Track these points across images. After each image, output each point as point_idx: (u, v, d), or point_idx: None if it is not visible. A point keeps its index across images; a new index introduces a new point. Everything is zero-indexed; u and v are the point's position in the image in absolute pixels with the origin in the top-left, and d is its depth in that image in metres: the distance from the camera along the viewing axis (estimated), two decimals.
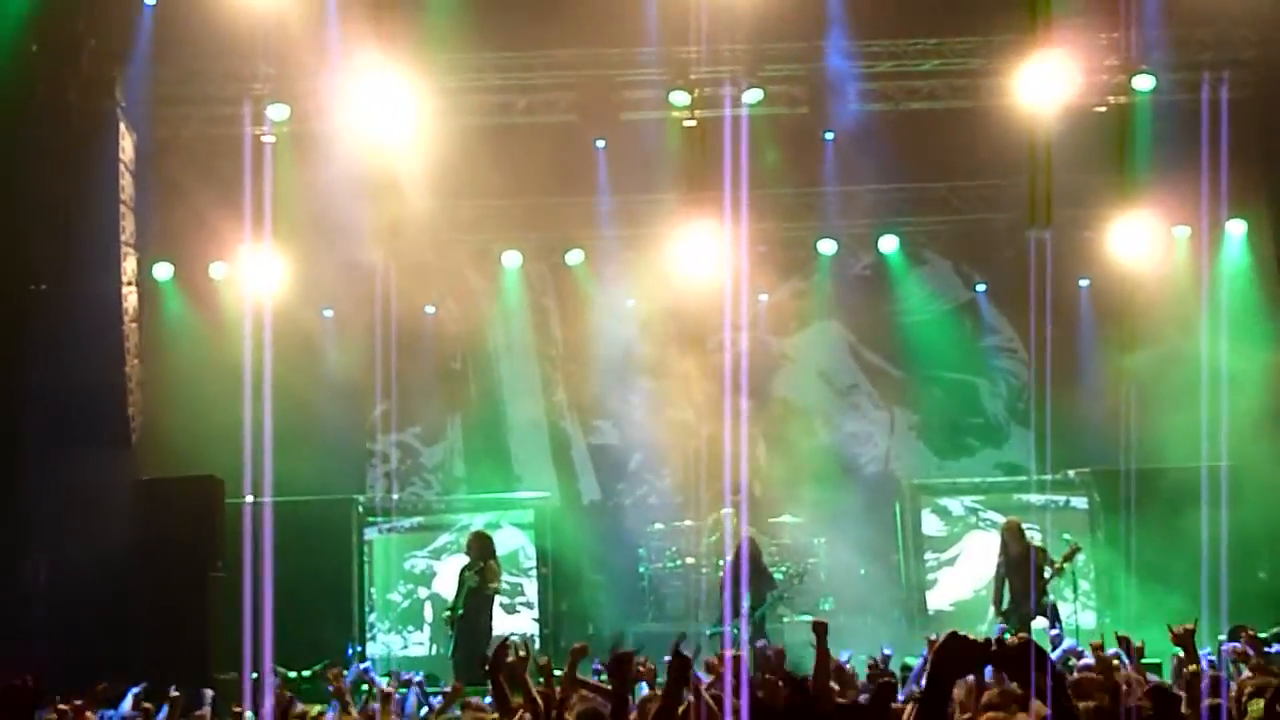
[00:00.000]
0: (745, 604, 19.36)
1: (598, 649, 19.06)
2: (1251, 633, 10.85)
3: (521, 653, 9.41)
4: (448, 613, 19.62)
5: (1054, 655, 13.06)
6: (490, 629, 19.41)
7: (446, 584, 20.82)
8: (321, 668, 16.69)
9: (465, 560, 19.38)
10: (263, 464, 20.57)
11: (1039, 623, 18.93)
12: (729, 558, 20.25)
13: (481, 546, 19.45)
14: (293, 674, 16.22)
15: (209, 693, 14.02)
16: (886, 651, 12.41)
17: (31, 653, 16.49)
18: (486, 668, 10.65)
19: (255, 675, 16.68)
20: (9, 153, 18.13)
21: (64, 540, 17.87)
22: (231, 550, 19.09)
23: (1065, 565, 18.81)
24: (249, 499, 20.19)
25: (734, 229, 21.99)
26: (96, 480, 18.16)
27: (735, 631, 18.86)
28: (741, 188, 21.57)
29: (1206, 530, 18.79)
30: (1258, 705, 7.84)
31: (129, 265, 19.67)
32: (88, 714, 10.83)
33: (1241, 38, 20.91)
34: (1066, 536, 19.89)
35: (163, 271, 21.55)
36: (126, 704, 12.69)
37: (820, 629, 9.11)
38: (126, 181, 19.51)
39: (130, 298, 19.72)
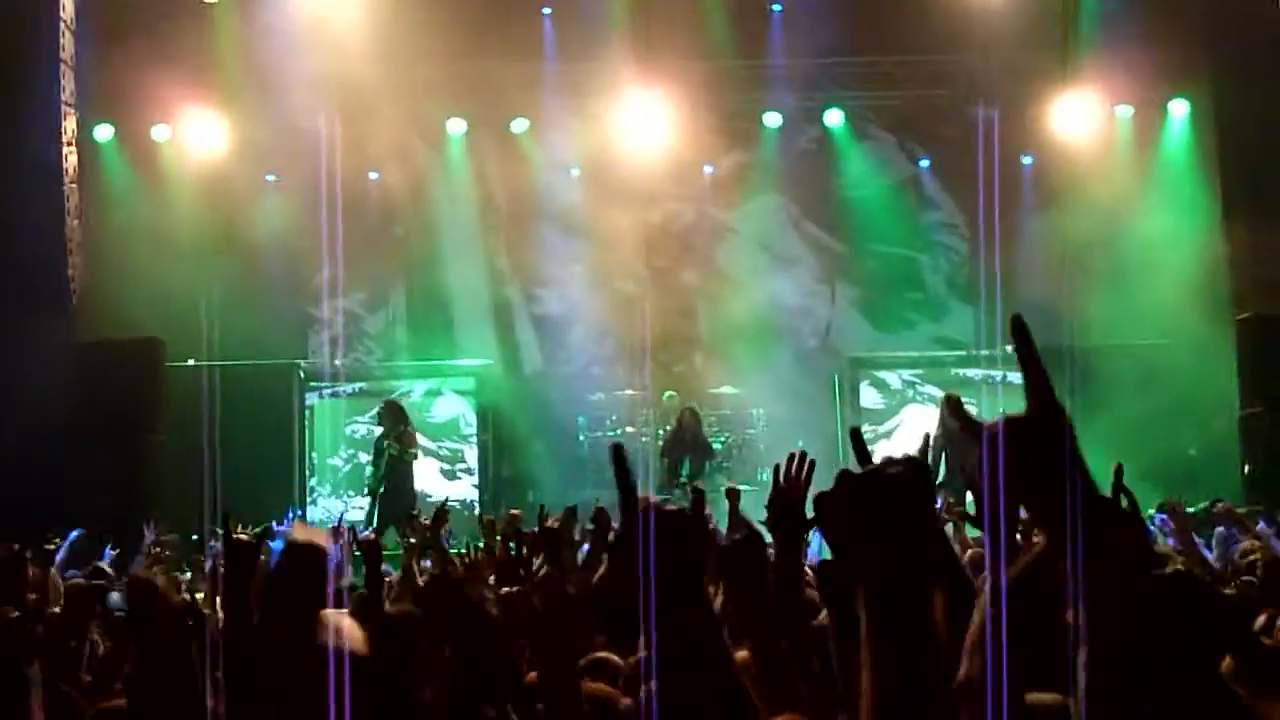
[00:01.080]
0: (685, 473, 19.57)
1: (533, 517, 19.32)
2: (1178, 506, 11.04)
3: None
4: (369, 482, 20.01)
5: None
6: (414, 494, 19.75)
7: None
8: (261, 531, 16.79)
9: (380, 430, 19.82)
10: (204, 327, 20.62)
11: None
12: (669, 427, 20.48)
13: (394, 415, 19.82)
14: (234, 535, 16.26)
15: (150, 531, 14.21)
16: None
17: None
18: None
19: (195, 537, 16.81)
20: None
21: (3, 401, 17.84)
22: (173, 414, 19.16)
23: None
24: (191, 362, 20.25)
25: (681, 99, 22.01)
26: (35, 342, 18.11)
27: (674, 499, 19.04)
28: (692, 57, 21.58)
29: (1139, 407, 19.07)
30: None
31: (69, 125, 19.53)
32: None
33: None
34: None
35: (104, 133, 21.37)
36: (63, 549, 12.80)
37: (733, 496, 9.71)
38: (67, 40, 19.33)
39: (70, 158, 19.59)
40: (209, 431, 18.45)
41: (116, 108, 21.18)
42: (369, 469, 20.53)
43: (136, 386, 18.85)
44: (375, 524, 19.26)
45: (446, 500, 9.67)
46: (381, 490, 19.69)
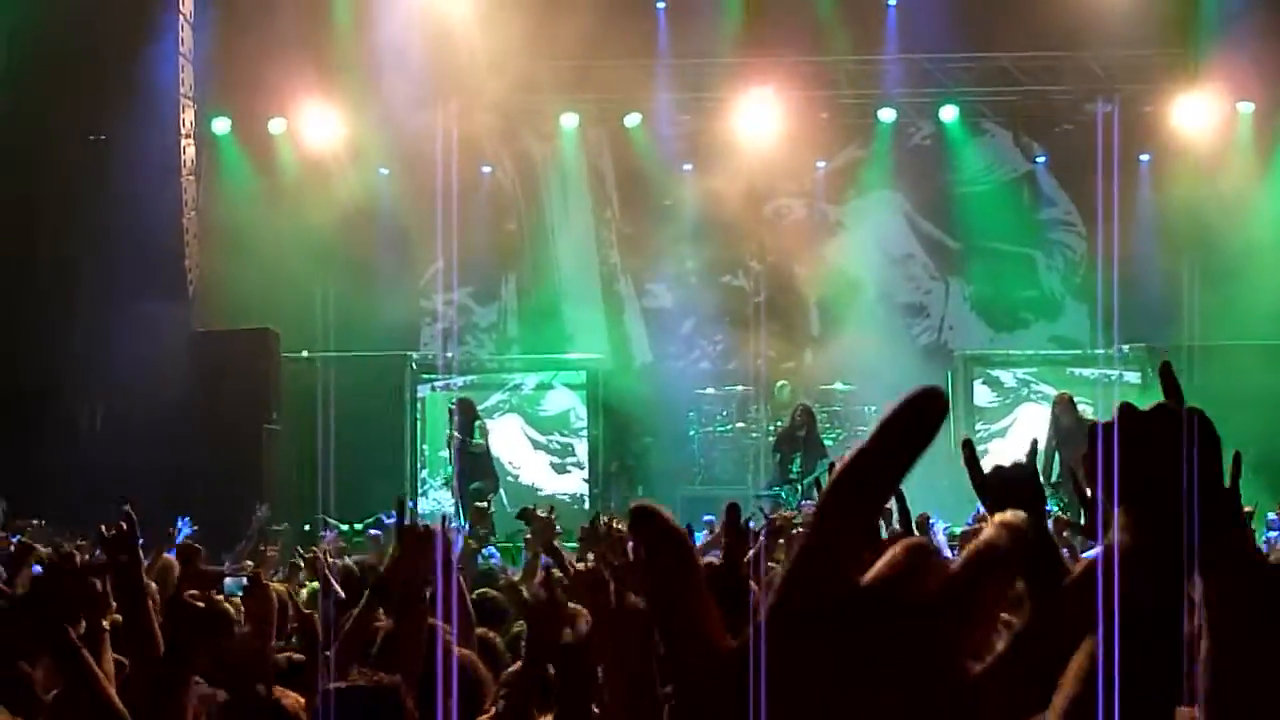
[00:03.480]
0: (796, 470, 19.48)
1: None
2: None
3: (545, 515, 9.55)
4: (450, 479, 20.28)
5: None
6: (494, 479, 20.01)
7: (498, 442, 21.03)
8: (372, 521, 16.93)
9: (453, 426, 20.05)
10: (318, 319, 20.79)
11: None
12: (780, 422, 20.40)
13: (461, 412, 20.07)
14: (344, 526, 16.41)
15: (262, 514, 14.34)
16: (932, 522, 12.41)
17: (87, 497, 16.72)
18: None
19: (307, 526, 16.96)
20: (73, 7, 18.16)
21: (121, 389, 18.07)
22: (286, 404, 19.33)
23: None
24: (305, 353, 20.42)
25: (795, 95, 21.93)
26: (154, 331, 18.32)
27: (785, 496, 19.00)
28: (807, 53, 21.50)
29: (1257, 407, 18.78)
30: None
31: (187, 118, 19.73)
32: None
33: None
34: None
35: (221, 125, 21.58)
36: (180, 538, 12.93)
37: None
38: (186, 34, 19.53)
39: (188, 150, 19.80)
40: (322, 423, 18.64)
41: (233, 100, 21.38)
42: (447, 469, 20.79)
43: (252, 377, 19.02)
44: (464, 517, 19.47)
45: (536, 508, 9.50)
46: (458, 484, 19.97)
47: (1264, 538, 14.58)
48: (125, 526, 5.19)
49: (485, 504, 17.23)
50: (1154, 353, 21.33)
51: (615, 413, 22.12)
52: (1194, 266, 21.21)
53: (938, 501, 18.74)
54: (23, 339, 18.43)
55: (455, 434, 19.98)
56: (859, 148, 23.41)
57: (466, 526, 18.90)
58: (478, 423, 20.29)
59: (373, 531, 15.43)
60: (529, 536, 10.76)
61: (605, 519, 7.45)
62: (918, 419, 1.22)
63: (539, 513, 9.71)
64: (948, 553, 11.09)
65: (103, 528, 5.24)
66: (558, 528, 9.41)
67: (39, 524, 15.24)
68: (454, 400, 20.76)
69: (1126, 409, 2.38)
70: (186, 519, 13.42)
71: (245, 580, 7.08)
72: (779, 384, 21.78)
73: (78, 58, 18.34)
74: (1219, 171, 21.61)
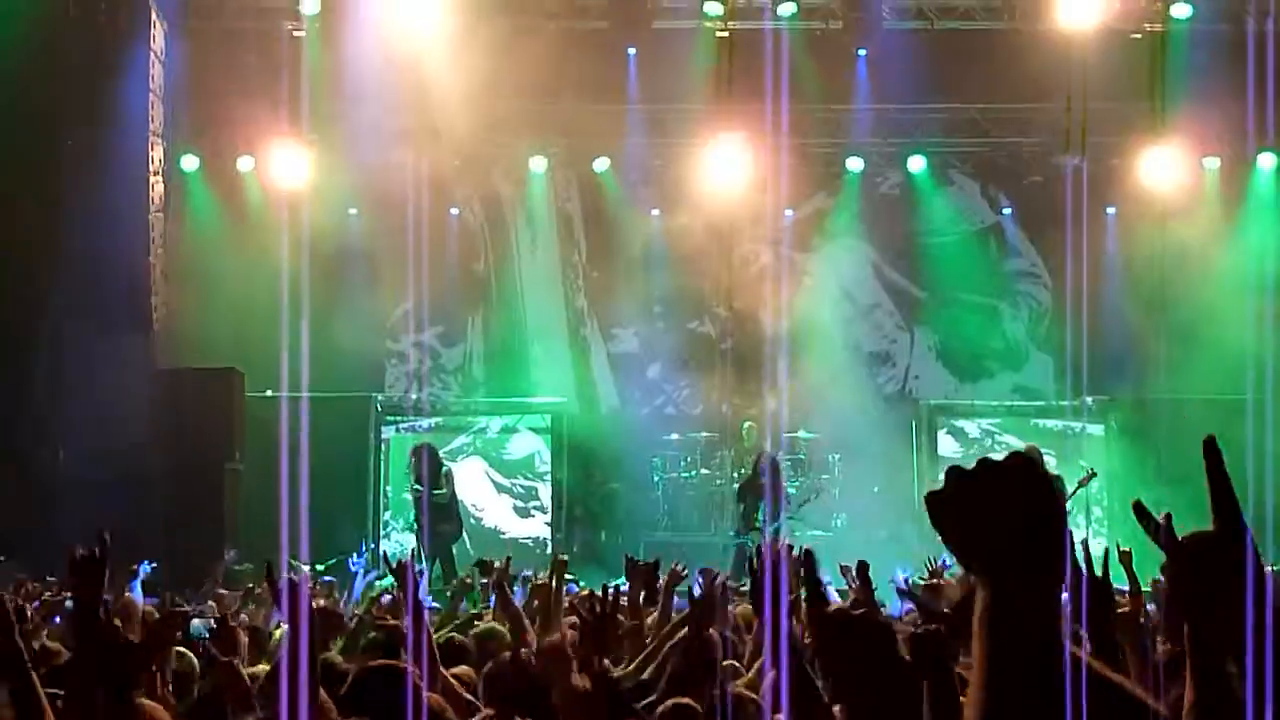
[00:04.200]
0: (760, 518, 19.45)
1: (610, 557, 19.33)
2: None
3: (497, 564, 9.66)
4: (413, 524, 20.32)
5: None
6: (457, 525, 20.03)
7: (462, 485, 20.98)
8: (335, 563, 16.87)
9: (415, 472, 20.07)
10: (283, 358, 20.70)
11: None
12: (743, 470, 20.35)
13: (421, 460, 20.09)
14: (306, 567, 16.33)
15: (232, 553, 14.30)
16: (902, 575, 12.39)
17: (48, 536, 16.62)
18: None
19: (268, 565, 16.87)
20: (42, 39, 18.12)
21: (84, 425, 17.97)
22: (250, 444, 19.25)
23: (1079, 490, 18.97)
24: (269, 392, 20.35)
25: (763, 142, 21.99)
26: (118, 367, 18.25)
27: (750, 544, 18.98)
28: (775, 101, 21.55)
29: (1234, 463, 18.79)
30: None
31: (156, 155, 19.69)
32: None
33: None
34: (1082, 463, 19.93)
35: (190, 163, 21.54)
36: (137, 586, 12.86)
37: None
38: (156, 71, 19.51)
39: (157, 187, 19.75)
40: (286, 463, 18.52)
41: (203, 138, 21.36)
42: (410, 511, 20.81)
43: (215, 415, 18.96)
44: (424, 561, 19.56)
45: (502, 560, 9.51)
46: (419, 529, 20.05)
47: None
48: (98, 553, 5.12)
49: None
50: (1117, 405, 21.45)
51: (580, 457, 22.11)
52: (1158, 320, 21.30)
53: (906, 551, 18.77)
54: None
55: (416, 486, 19.97)
56: (827, 196, 23.49)
57: (428, 570, 18.96)
58: (443, 469, 20.25)
59: (325, 579, 15.40)
60: (484, 582, 10.78)
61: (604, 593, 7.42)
62: None
63: (495, 564, 9.80)
64: (897, 601, 11.12)
65: (76, 550, 5.16)
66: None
67: (2, 560, 15.18)
68: (415, 446, 20.68)
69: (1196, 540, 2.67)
70: (146, 561, 13.37)
71: (211, 622, 7.05)
72: (745, 424, 21.76)
73: (46, 93, 18.30)
74: (1185, 225, 21.72)
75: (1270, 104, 20.25)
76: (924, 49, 21.38)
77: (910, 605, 11.00)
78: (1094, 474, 19.26)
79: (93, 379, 17.88)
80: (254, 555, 17.73)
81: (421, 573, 14.40)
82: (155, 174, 19.63)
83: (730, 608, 8.66)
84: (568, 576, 10.10)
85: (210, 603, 12.52)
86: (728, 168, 22.02)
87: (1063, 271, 22.74)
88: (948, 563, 11.95)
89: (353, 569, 15.53)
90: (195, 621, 10.36)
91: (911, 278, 23.79)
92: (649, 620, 8.46)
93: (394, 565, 7.07)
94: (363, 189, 21.70)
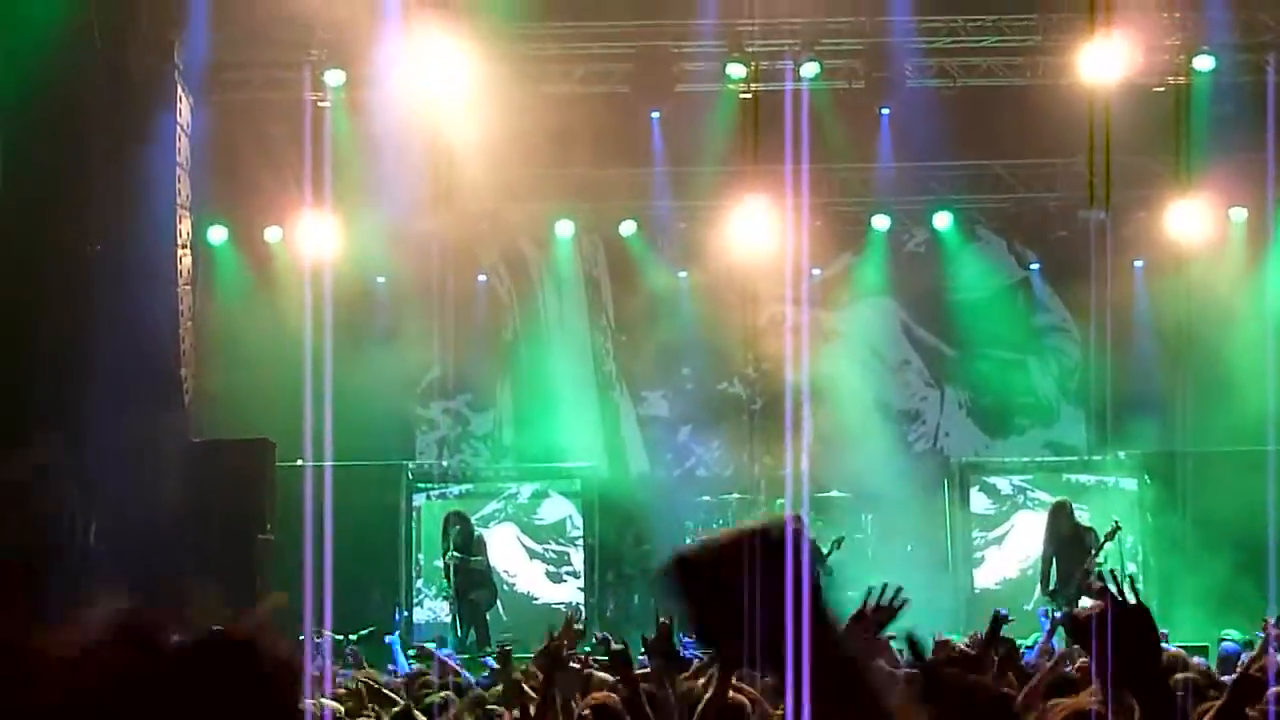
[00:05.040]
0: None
1: (646, 619, 19.26)
2: None
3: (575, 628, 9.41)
4: (448, 592, 20.30)
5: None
6: (492, 593, 20.08)
7: (494, 551, 20.98)
8: (369, 633, 16.86)
9: (452, 540, 20.09)
10: (314, 429, 20.74)
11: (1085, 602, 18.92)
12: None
13: (453, 525, 20.17)
14: (339, 637, 16.33)
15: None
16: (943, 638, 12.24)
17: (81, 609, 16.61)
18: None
19: (301, 638, 16.84)
20: (69, 114, 18.23)
21: (116, 498, 17.99)
22: (281, 514, 19.25)
23: (1107, 543, 18.89)
24: (299, 462, 20.36)
25: (789, 203, 22.02)
26: (150, 440, 18.28)
27: None
28: (799, 162, 21.59)
29: (1248, 515, 18.75)
30: None
31: (184, 228, 19.77)
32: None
33: None
34: (1114, 517, 19.85)
35: (217, 235, 21.63)
36: None
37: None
38: (183, 144, 19.61)
39: (184, 260, 19.83)
40: (315, 532, 18.55)
41: (230, 210, 21.46)
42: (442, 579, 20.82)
43: (248, 486, 18.96)
44: (460, 628, 19.63)
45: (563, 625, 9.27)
46: (456, 598, 20.04)
47: None
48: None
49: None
50: (1150, 459, 21.36)
51: (612, 520, 22.06)
52: (1188, 372, 21.23)
53: (940, 609, 18.68)
54: (17, 446, 18.36)
55: (455, 554, 19.97)
56: (853, 254, 23.49)
57: (464, 638, 18.96)
58: (475, 535, 20.28)
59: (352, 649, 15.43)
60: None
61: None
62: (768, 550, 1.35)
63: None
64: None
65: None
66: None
67: None
68: (449, 513, 20.69)
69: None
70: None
71: None
72: (778, 502, 21.74)
73: (73, 168, 18.38)
74: (1212, 277, 21.68)
75: None
76: (947, 106, 21.41)
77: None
78: (1119, 526, 19.19)
79: (125, 452, 17.90)
80: (286, 626, 17.71)
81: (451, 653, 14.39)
82: (183, 247, 19.71)
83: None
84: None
85: None
86: (753, 228, 22.05)
87: (1090, 325, 22.73)
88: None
89: (389, 643, 15.60)
90: None
91: (940, 334, 23.77)
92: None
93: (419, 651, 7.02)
94: (390, 257, 21.77)
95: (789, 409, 22.91)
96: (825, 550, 19.45)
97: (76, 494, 18.05)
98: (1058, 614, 16.46)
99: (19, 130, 17.99)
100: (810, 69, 20.84)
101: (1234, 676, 6.59)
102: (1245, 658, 11.77)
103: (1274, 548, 17.35)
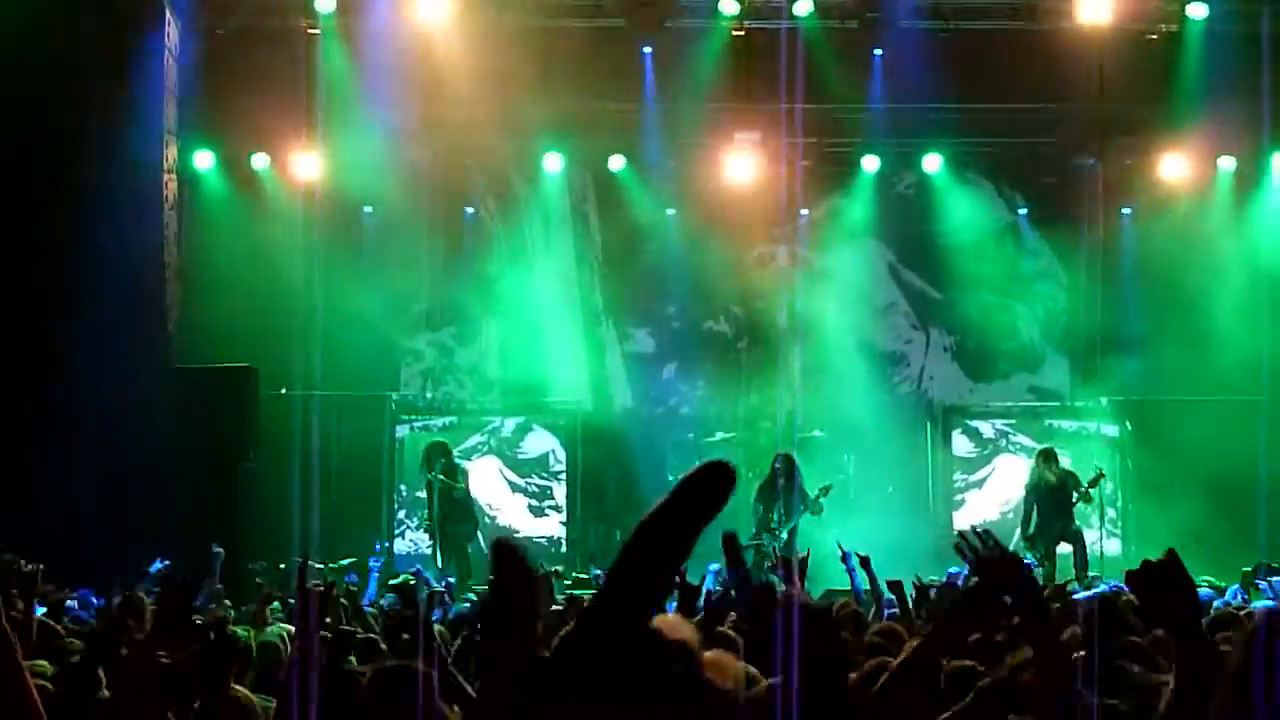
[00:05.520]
0: (776, 519, 19.43)
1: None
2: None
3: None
4: (428, 522, 20.33)
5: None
6: (474, 523, 20.10)
7: (477, 483, 21.04)
8: (350, 563, 16.89)
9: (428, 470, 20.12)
10: (298, 357, 20.75)
11: (1063, 547, 19.04)
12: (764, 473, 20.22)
13: (437, 454, 20.16)
14: (320, 566, 16.35)
15: (220, 551, 14.34)
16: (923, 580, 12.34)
17: (61, 534, 16.65)
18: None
19: (282, 565, 16.88)
20: (57, 40, 18.14)
21: (98, 423, 17.99)
22: (264, 442, 19.27)
23: (1090, 491, 19.01)
24: (284, 391, 20.37)
25: (780, 142, 21.97)
26: (133, 366, 18.26)
27: (767, 546, 19.00)
28: (791, 101, 21.54)
29: (1233, 463, 18.84)
30: None
31: (170, 153, 19.71)
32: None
33: None
34: (1096, 463, 19.92)
35: (204, 160, 21.52)
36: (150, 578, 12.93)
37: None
38: (171, 69, 19.53)
39: (170, 185, 19.77)
40: (300, 461, 18.58)
41: (217, 135, 21.35)
42: (423, 510, 20.82)
43: (229, 414, 18.96)
44: (441, 559, 19.68)
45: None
46: (439, 526, 20.08)
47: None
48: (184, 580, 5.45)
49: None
50: (1132, 406, 21.44)
51: (595, 456, 22.11)
52: (1173, 320, 21.25)
53: (919, 549, 18.75)
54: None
55: (440, 476, 19.97)
56: (842, 196, 23.43)
57: (445, 569, 19.00)
58: (459, 465, 20.31)
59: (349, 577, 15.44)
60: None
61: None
62: (709, 489, 1.42)
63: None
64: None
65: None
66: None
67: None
68: (430, 444, 20.73)
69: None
70: (160, 558, 13.39)
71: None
72: (763, 424, 21.82)
73: (60, 92, 18.31)
74: (1200, 226, 21.70)
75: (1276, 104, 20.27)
76: (940, 49, 21.32)
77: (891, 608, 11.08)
78: (1103, 474, 19.31)
79: (108, 377, 17.89)
80: (266, 553, 17.76)
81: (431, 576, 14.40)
82: (169, 172, 19.64)
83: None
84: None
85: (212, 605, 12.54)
86: (742, 167, 22.02)
87: (1077, 271, 22.74)
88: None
89: (372, 568, 15.64)
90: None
91: (927, 277, 23.74)
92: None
93: (399, 586, 7.06)
94: (378, 187, 21.69)
95: (775, 348, 22.94)
96: (813, 495, 19.54)
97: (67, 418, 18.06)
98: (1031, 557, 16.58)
99: (4, 54, 17.91)
100: (804, 7, 20.78)
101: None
102: (1219, 604, 11.84)
103: (1259, 496, 17.47)
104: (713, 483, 1.76)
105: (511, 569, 2.10)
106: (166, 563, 13.87)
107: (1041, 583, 15.50)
